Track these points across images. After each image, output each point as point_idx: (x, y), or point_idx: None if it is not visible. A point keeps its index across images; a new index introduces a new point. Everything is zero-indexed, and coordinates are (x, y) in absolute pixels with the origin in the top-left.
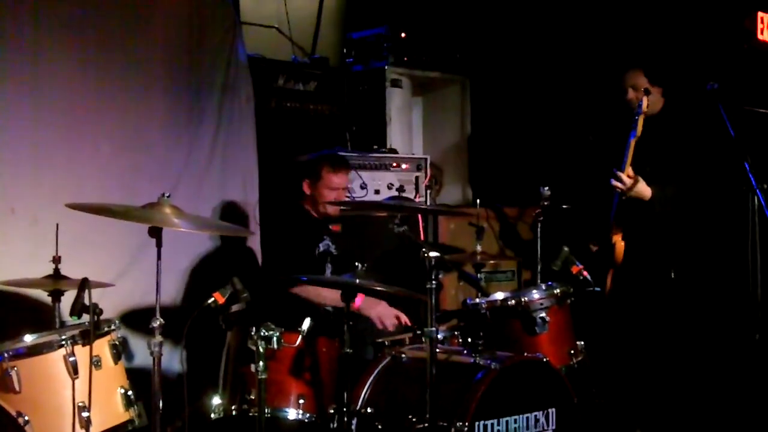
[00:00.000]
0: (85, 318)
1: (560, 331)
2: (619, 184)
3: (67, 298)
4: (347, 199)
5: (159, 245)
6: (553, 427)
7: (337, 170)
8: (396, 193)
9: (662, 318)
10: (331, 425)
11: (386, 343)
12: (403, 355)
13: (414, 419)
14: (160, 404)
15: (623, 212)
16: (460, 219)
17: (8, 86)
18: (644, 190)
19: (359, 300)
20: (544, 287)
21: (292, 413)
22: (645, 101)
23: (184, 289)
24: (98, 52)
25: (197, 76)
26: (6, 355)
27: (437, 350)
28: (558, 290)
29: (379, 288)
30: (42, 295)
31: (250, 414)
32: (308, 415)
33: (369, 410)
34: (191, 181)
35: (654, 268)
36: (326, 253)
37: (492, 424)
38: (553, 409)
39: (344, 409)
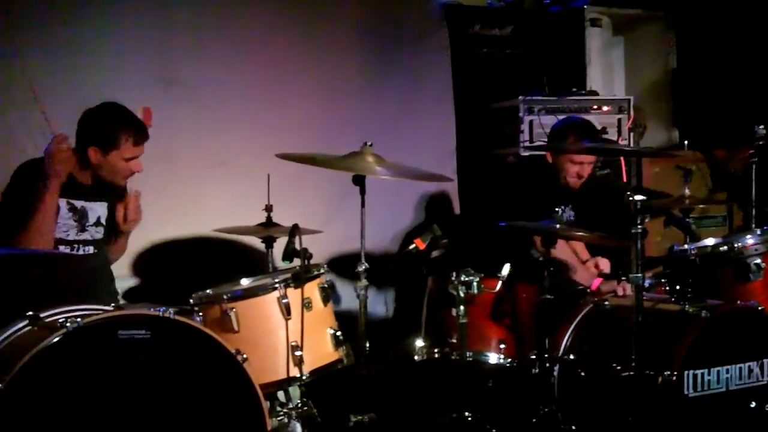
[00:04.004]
0: (296, 262)
1: None
2: None
3: (279, 244)
4: (588, 174)
5: (362, 193)
6: None
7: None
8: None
9: None
10: (533, 371)
11: (588, 290)
12: (606, 303)
13: (619, 367)
14: (367, 345)
15: None
16: (665, 162)
17: (221, 51)
18: None
19: (597, 282)
20: (759, 232)
21: (493, 357)
22: None
23: (386, 236)
24: (300, 11)
25: (394, 27)
26: (225, 297)
27: (643, 298)
28: None
29: (581, 234)
30: (256, 241)
31: (452, 357)
32: (509, 359)
33: (571, 357)
34: (390, 130)
35: None
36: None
37: (702, 374)
38: None
39: (545, 356)
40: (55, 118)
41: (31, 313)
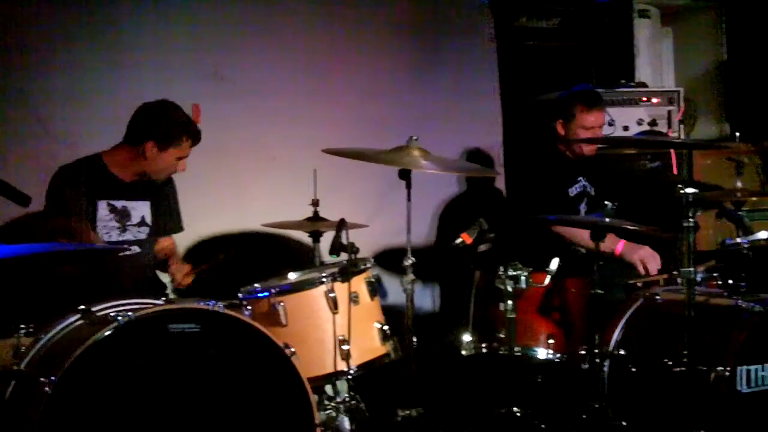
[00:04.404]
0: (343, 256)
1: None
2: None
3: (326, 239)
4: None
5: (408, 187)
6: None
7: (591, 108)
8: (647, 128)
9: None
10: (582, 366)
11: (638, 284)
12: (658, 297)
13: (670, 363)
14: (414, 339)
15: None
16: (716, 154)
17: (268, 47)
18: None
19: (621, 245)
20: None
21: (541, 352)
22: None
23: (432, 230)
24: (345, 5)
25: (439, 20)
26: (273, 291)
27: (694, 292)
28: None
29: (630, 227)
30: (303, 236)
31: (500, 352)
32: (558, 354)
33: (622, 352)
34: (435, 124)
35: None
36: (583, 194)
37: (756, 370)
38: None
39: (595, 351)
40: (103, 114)
41: (83, 307)
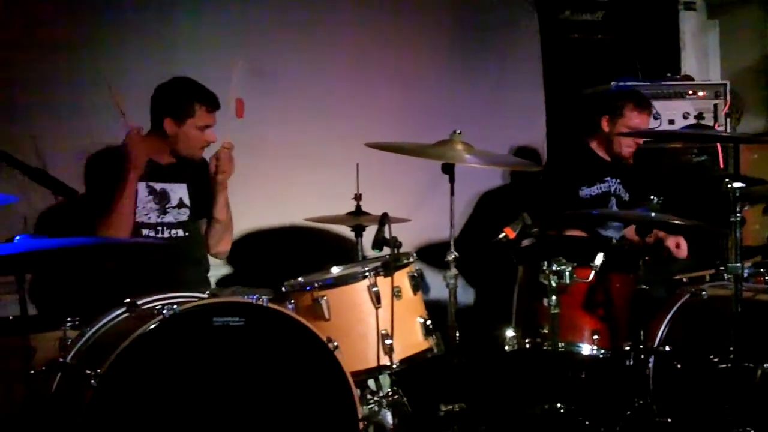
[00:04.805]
0: (386, 251)
1: None
2: None
3: (368, 233)
4: (640, 142)
5: (452, 181)
6: None
7: (642, 110)
8: (693, 122)
9: None
10: (627, 362)
11: (684, 280)
12: (704, 293)
13: (716, 359)
14: (457, 334)
15: None
16: (763, 148)
17: (309, 42)
18: None
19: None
20: None
21: (586, 348)
22: None
23: (475, 225)
24: None
25: (483, 13)
26: (316, 285)
27: (741, 288)
28: None
29: (677, 222)
30: (345, 230)
31: (544, 347)
32: (603, 350)
33: (667, 348)
34: (478, 118)
35: None
36: (608, 194)
37: None
38: None
39: (640, 347)
40: (142, 108)
41: (128, 300)
